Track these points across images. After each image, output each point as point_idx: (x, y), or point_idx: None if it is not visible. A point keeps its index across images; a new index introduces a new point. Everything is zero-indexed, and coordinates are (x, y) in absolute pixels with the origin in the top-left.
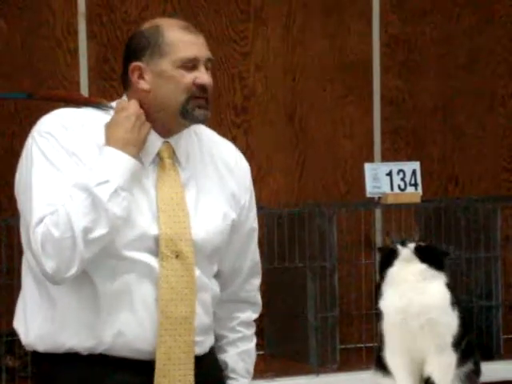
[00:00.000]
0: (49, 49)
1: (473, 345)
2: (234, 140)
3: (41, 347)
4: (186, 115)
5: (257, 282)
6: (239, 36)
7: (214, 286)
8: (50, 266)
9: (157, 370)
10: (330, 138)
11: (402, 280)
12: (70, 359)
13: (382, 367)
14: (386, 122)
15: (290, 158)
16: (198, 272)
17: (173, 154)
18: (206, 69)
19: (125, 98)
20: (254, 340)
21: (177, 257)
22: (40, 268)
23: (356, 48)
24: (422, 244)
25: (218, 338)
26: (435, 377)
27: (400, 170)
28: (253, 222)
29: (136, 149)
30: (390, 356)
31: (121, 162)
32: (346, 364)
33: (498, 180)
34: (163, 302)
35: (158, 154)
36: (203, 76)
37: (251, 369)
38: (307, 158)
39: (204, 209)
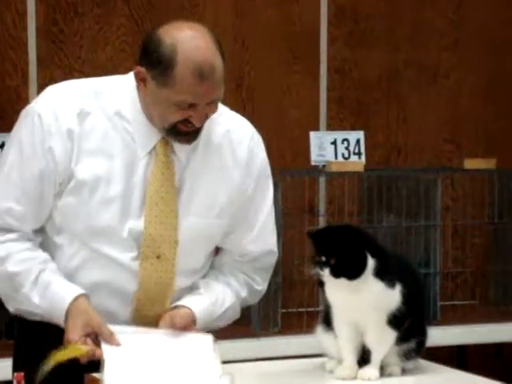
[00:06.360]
0: None
1: (420, 324)
2: None
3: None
4: (169, 136)
5: (268, 268)
6: (190, 3)
7: (201, 271)
8: None
9: None
10: (277, 107)
11: None
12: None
13: (327, 322)
14: (332, 91)
15: None
16: (178, 272)
17: (170, 151)
18: (211, 103)
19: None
20: (235, 302)
21: (158, 257)
22: None
23: (303, 17)
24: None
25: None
26: (371, 349)
27: (344, 139)
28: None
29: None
30: (336, 322)
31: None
32: (288, 328)
33: (439, 151)
34: (139, 302)
35: (155, 149)
36: (197, 118)
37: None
38: (254, 125)
39: (196, 209)
